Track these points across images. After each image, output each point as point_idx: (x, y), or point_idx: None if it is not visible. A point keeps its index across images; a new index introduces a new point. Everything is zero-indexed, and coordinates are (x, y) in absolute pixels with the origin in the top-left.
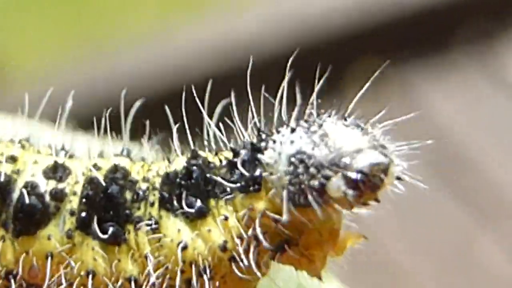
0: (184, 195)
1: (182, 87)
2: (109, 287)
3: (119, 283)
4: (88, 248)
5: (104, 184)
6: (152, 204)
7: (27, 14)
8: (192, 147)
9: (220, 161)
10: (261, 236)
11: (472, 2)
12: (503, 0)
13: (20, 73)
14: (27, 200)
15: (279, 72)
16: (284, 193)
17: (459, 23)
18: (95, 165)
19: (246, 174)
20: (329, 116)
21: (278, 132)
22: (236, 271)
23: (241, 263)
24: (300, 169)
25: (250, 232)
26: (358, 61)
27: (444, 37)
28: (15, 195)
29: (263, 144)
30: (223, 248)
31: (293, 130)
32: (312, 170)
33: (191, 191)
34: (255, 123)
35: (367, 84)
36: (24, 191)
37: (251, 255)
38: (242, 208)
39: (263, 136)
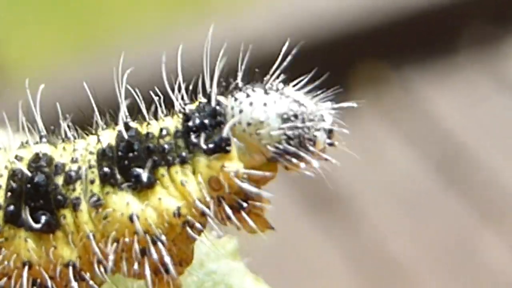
0: (127, 168)
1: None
2: (45, 276)
3: (58, 270)
4: (21, 240)
5: (29, 174)
6: (93, 182)
7: (29, 13)
8: (123, 119)
9: (161, 129)
10: (229, 194)
11: (476, 4)
12: (507, 2)
13: (21, 74)
14: None
15: (281, 72)
16: (283, 145)
17: (463, 25)
18: (16, 157)
19: (215, 136)
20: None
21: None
22: (191, 233)
23: (198, 225)
24: (295, 124)
25: (214, 194)
26: (362, 63)
27: (448, 39)
28: None
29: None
30: (178, 214)
31: (266, 92)
32: (306, 124)
33: (134, 163)
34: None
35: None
36: None
37: (215, 215)
38: (209, 170)
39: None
